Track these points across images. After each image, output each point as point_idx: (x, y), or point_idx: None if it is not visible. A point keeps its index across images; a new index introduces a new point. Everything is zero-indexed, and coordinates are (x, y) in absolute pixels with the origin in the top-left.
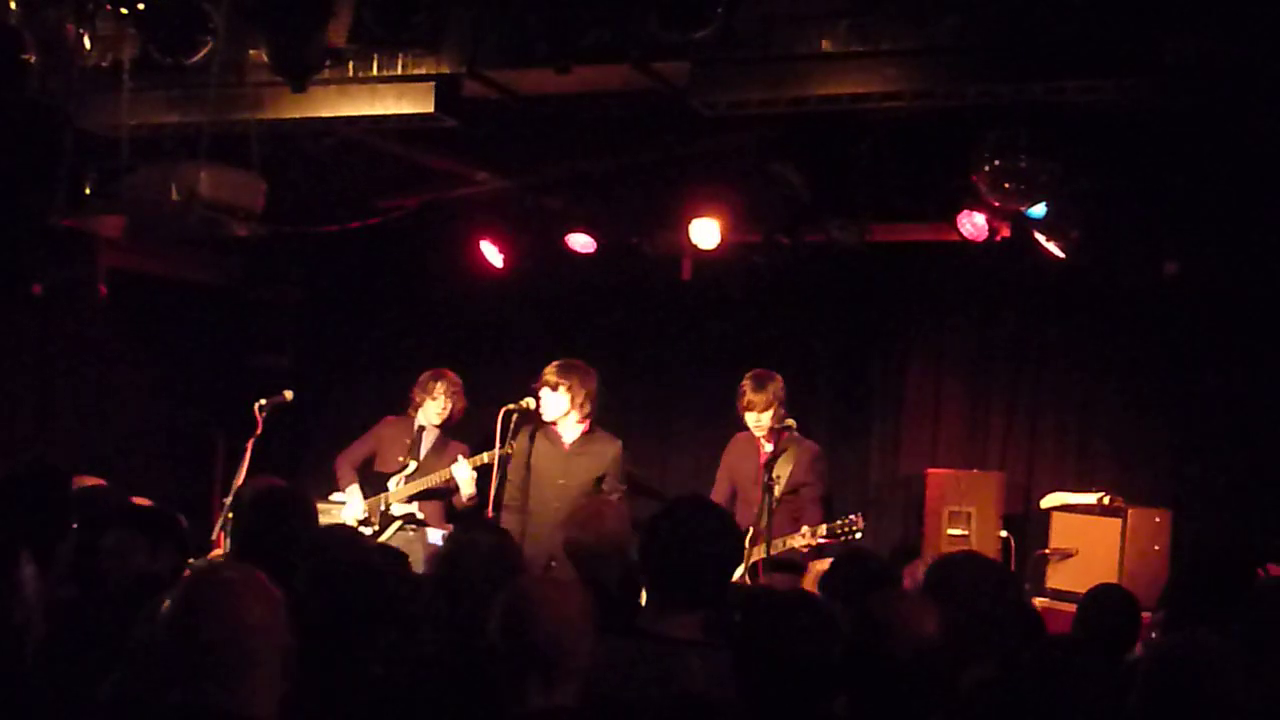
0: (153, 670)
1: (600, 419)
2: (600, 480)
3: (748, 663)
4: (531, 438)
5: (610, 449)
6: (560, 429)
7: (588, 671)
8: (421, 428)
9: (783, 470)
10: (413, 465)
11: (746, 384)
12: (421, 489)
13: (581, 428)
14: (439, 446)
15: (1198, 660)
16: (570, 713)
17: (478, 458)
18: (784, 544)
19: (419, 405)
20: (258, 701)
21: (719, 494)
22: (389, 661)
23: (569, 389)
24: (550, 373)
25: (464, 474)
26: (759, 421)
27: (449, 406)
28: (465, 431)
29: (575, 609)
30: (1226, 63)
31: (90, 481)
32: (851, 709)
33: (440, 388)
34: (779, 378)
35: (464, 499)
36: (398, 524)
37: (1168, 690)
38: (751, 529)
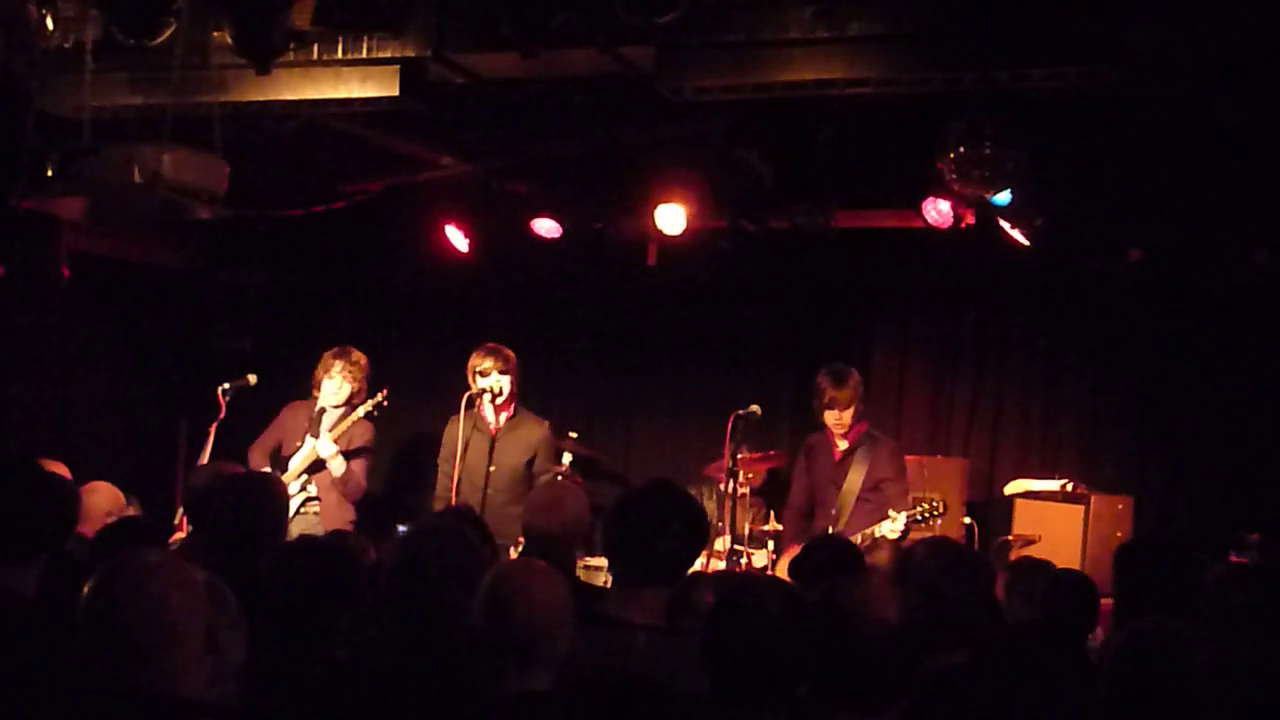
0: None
1: (561, 404)
2: (530, 463)
3: (715, 647)
4: (461, 426)
5: (537, 430)
6: (487, 415)
7: (566, 658)
8: (323, 409)
9: (859, 468)
10: (310, 444)
11: (825, 381)
12: (308, 463)
13: (506, 413)
14: (340, 425)
15: (1167, 645)
16: (544, 697)
17: (351, 417)
18: (874, 532)
19: (318, 385)
20: (183, 679)
21: (796, 500)
22: (350, 645)
23: (511, 374)
24: (492, 361)
25: (327, 449)
26: (839, 420)
27: (348, 387)
28: (429, 415)
29: (557, 596)
30: (1189, 50)
31: (51, 466)
32: (815, 693)
33: (338, 366)
34: (856, 372)
35: (334, 476)
36: (297, 501)
37: (1139, 674)
38: (830, 528)
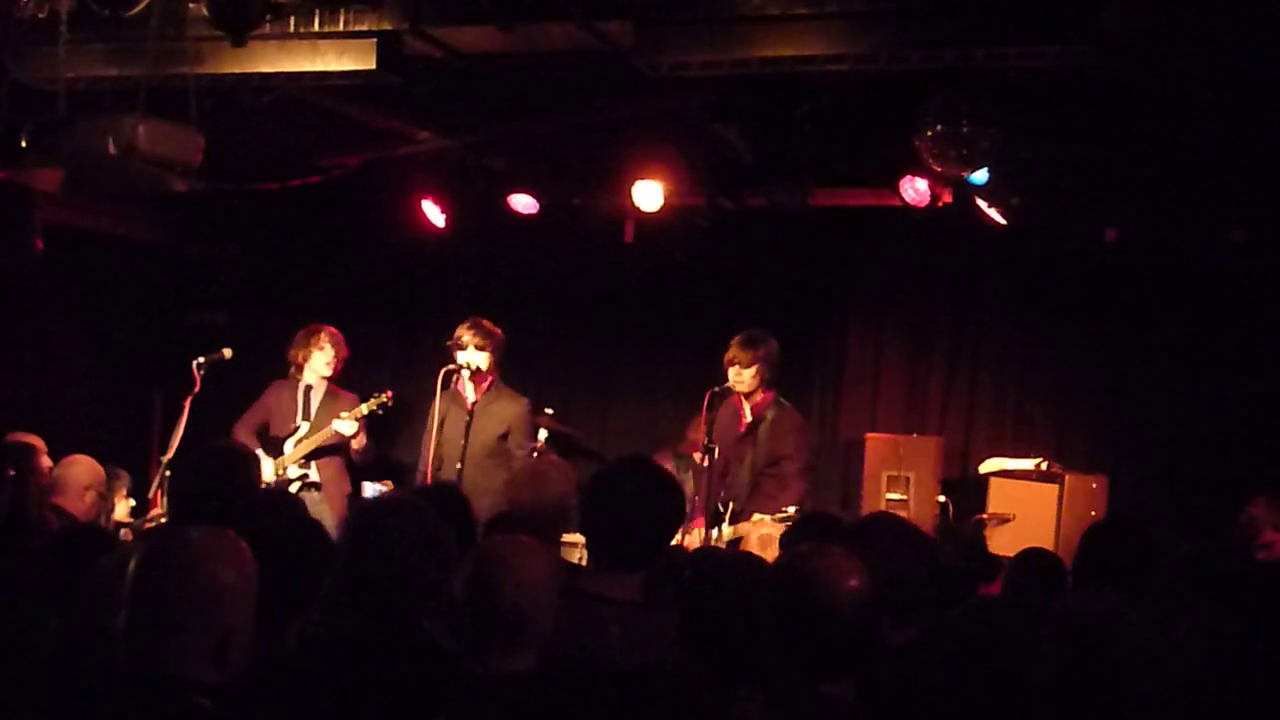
0: (102, 629)
1: (537, 380)
2: (504, 438)
3: (689, 626)
4: (438, 400)
5: (513, 406)
6: (465, 390)
7: (549, 637)
8: (309, 386)
9: (761, 441)
10: (305, 425)
11: (736, 339)
12: (314, 447)
13: (483, 387)
14: (329, 402)
15: (1104, 616)
16: (529, 678)
17: (358, 410)
18: (751, 525)
19: (303, 363)
20: (216, 667)
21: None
22: (318, 620)
23: (491, 350)
24: (471, 334)
25: (347, 429)
26: (739, 377)
27: (335, 355)
28: (403, 389)
29: (543, 575)
30: (1165, 30)
31: (24, 438)
32: (780, 664)
33: (324, 338)
34: (773, 342)
35: (356, 450)
36: (295, 486)
37: (1077, 645)
38: (732, 504)
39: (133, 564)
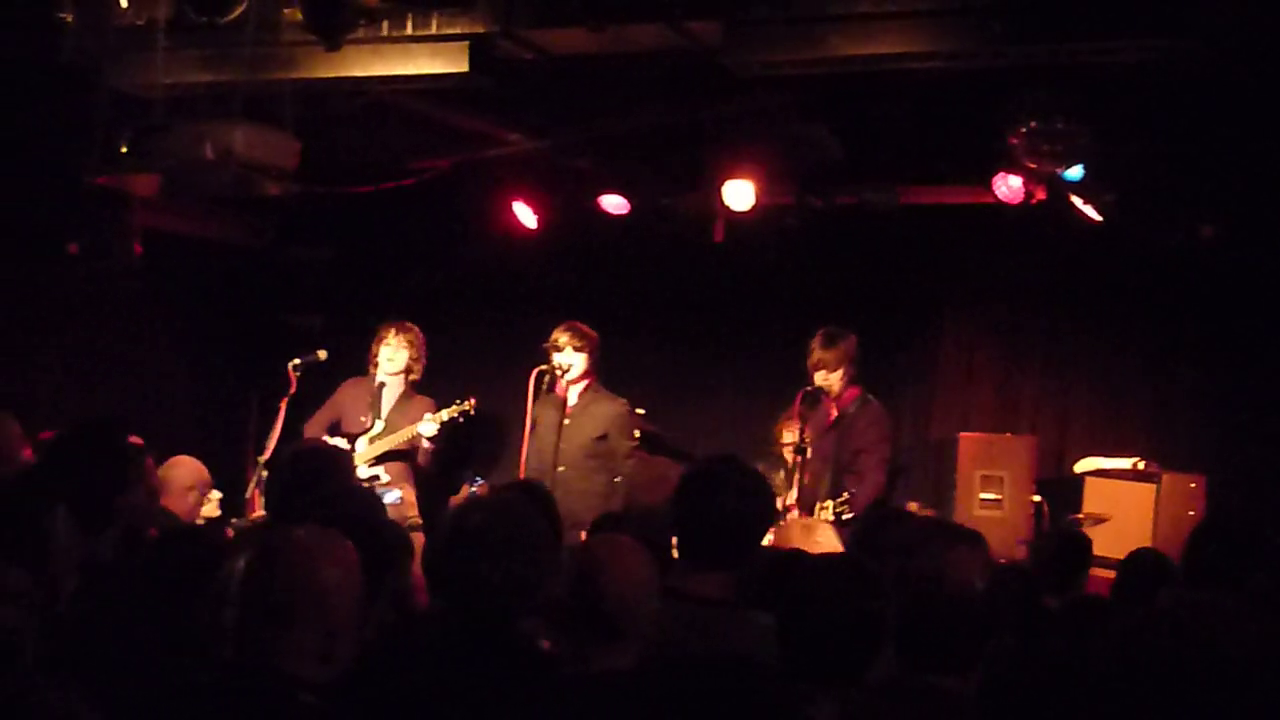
0: (213, 628)
1: (628, 381)
2: (602, 439)
3: (793, 625)
4: (530, 402)
5: (612, 408)
6: (566, 392)
7: (649, 635)
8: (382, 384)
9: (845, 435)
10: (379, 425)
11: (816, 341)
12: (386, 449)
13: (581, 388)
14: (403, 403)
15: (1211, 615)
16: (629, 676)
17: (440, 415)
18: (816, 513)
19: (377, 360)
20: (323, 664)
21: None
22: (398, 614)
23: (588, 352)
24: (567, 336)
25: (429, 430)
26: (827, 380)
27: (404, 354)
28: (495, 391)
29: (645, 573)
30: (1266, 25)
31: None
32: (901, 660)
33: (401, 339)
34: (852, 335)
35: (426, 453)
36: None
37: (1185, 645)
38: (818, 504)
39: (242, 563)
